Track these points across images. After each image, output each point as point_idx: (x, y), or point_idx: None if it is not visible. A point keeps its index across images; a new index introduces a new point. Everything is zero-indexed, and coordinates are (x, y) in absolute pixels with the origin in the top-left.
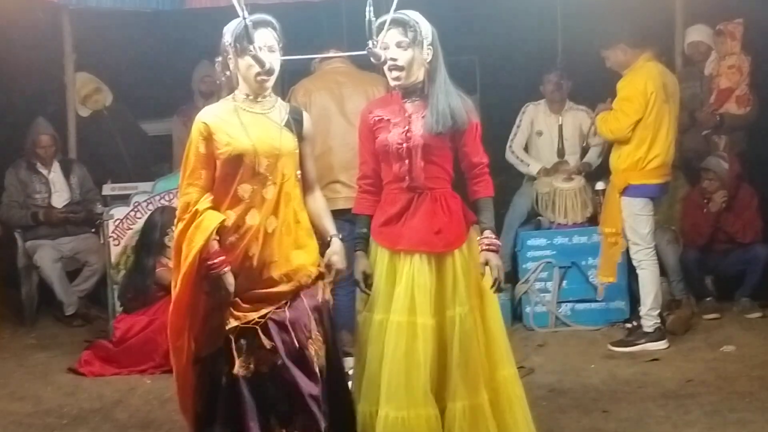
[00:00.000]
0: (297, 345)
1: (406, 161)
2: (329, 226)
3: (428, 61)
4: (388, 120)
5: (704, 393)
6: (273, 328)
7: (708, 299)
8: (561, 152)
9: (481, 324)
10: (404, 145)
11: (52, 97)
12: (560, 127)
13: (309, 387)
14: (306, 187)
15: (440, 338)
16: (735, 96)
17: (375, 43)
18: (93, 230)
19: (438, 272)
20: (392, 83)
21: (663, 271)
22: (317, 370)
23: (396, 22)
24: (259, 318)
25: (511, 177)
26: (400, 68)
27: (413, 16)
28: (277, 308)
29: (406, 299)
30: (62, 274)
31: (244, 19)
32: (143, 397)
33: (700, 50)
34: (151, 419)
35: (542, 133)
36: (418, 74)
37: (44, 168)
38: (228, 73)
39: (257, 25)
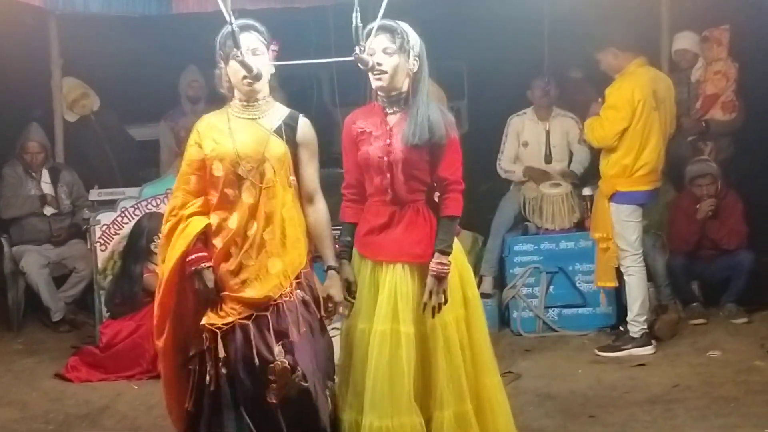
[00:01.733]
0: (256, 362)
1: (388, 175)
2: (327, 254)
3: (413, 71)
4: (370, 132)
5: (690, 398)
6: (237, 337)
7: (694, 304)
8: (548, 158)
9: (465, 332)
10: (385, 158)
11: (39, 102)
12: (547, 134)
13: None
14: (304, 196)
15: (423, 347)
16: (721, 102)
17: (362, 49)
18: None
19: (420, 282)
20: (375, 85)
21: (650, 277)
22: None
23: (384, 29)
24: (224, 324)
25: (498, 183)
26: (384, 72)
27: (402, 25)
28: (248, 317)
29: (388, 308)
30: (49, 280)
31: (231, 24)
32: (130, 402)
33: (687, 58)
34: (138, 425)
35: (528, 144)
36: (403, 83)
37: (35, 173)
38: (228, 81)
39: (241, 29)
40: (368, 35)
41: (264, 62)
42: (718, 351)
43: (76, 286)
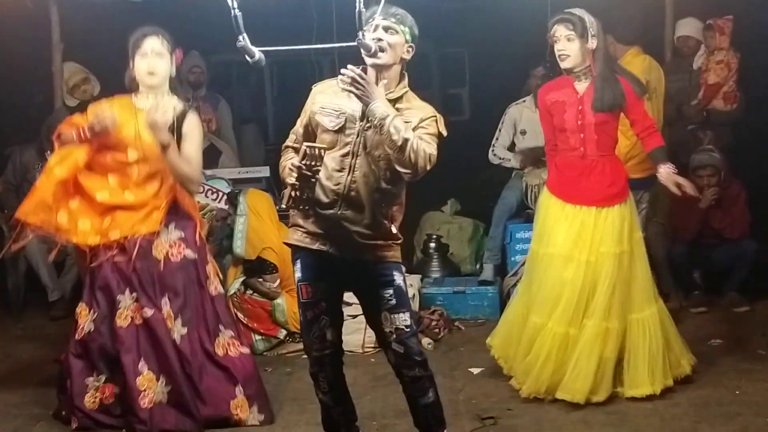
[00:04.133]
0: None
1: (581, 135)
2: None
3: (593, 48)
4: (564, 102)
5: (692, 386)
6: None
7: (696, 293)
8: None
9: (627, 267)
10: (579, 122)
11: (40, 87)
12: None
13: None
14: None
15: (596, 271)
16: (722, 92)
17: (365, 34)
18: None
19: (607, 220)
20: (563, 66)
21: (651, 265)
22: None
23: (563, 19)
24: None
25: (499, 171)
26: (567, 56)
27: (578, 13)
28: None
29: (580, 240)
30: (47, 257)
31: (233, 9)
32: None
33: (689, 44)
34: None
35: (525, 132)
36: (586, 60)
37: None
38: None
39: (147, 34)
40: (370, 19)
41: (166, 64)
42: (720, 339)
43: (72, 269)
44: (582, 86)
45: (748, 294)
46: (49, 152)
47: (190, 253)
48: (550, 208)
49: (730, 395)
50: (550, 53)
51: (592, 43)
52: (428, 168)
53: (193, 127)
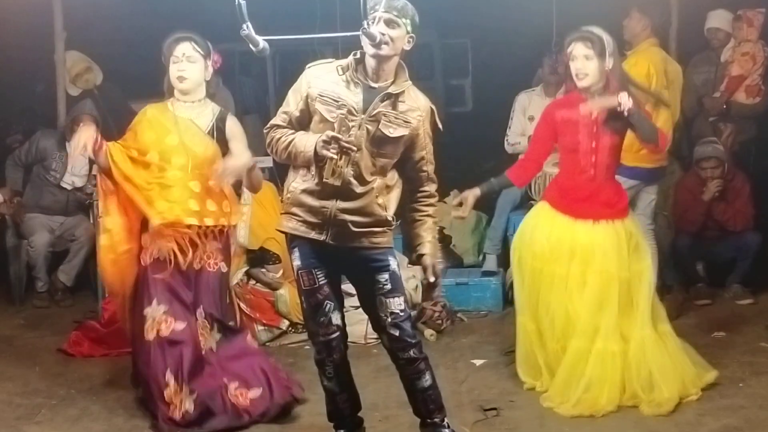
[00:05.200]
0: None
1: (593, 158)
2: None
3: (609, 68)
4: (577, 121)
5: None
6: None
7: (699, 285)
8: None
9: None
10: (593, 144)
11: (42, 76)
12: None
13: None
14: None
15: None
16: (745, 85)
17: (369, 24)
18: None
19: (611, 235)
20: (580, 85)
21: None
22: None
23: (582, 37)
24: None
25: (503, 161)
26: (586, 74)
27: (597, 31)
28: None
29: (586, 257)
30: (48, 256)
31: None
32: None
33: (719, 37)
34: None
35: (534, 118)
36: (602, 79)
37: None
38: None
39: (179, 39)
40: (373, 9)
41: (198, 69)
42: (723, 332)
43: (78, 255)
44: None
45: (751, 287)
46: (68, 142)
47: (224, 266)
48: (544, 221)
49: (733, 388)
50: (565, 71)
51: (609, 63)
52: None
53: (236, 128)
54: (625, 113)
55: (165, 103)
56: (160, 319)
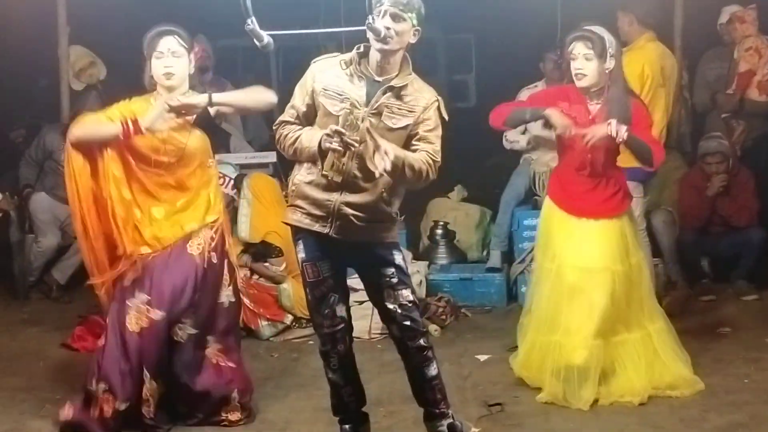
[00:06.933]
0: None
1: (589, 156)
2: None
3: (610, 69)
4: (575, 118)
5: (700, 374)
6: None
7: (704, 281)
8: None
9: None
10: (589, 144)
11: (46, 70)
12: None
13: None
14: None
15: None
16: (756, 81)
17: (374, 18)
18: None
19: (612, 231)
20: (578, 85)
21: (659, 253)
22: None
23: (583, 37)
24: None
25: (507, 157)
26: (585, 75)
27: (598, 31)
28: None
29: (588, 253)
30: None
31: None
32: None
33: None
34: None
35: None
36: (601, 80)
37: None
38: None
39: (161, 33)
40: (378, 3)
41: (183, 64)
42: (728, 327)
43: (77, 253)
44: (594, 107)
45: (756, 282)
46: None
47: (214, 257)
48: (555, 222)
49: (738, 384)
50: (566, 69)
51: (610, 63)
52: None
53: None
54: (618, 141)
55: (147, 97)
56: (142, 311)
